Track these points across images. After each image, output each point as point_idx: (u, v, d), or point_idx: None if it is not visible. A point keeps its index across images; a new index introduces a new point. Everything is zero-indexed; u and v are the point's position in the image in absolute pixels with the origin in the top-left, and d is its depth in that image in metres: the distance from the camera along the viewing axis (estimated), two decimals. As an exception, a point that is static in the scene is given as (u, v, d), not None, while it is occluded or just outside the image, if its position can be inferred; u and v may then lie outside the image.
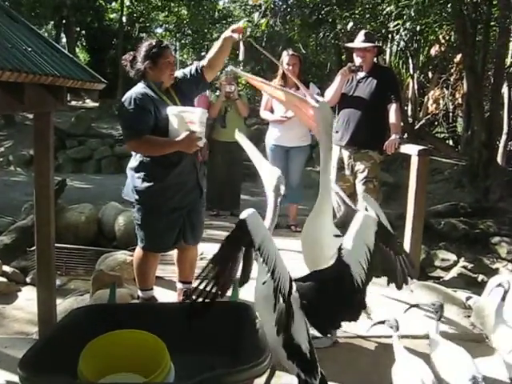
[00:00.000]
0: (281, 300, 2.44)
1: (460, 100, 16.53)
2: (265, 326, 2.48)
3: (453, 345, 2.99)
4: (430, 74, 16.38)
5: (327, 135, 3.40)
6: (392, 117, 5.09)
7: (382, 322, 3.17)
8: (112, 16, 24.16)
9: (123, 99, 3.65)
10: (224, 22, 18.50)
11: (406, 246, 4.82)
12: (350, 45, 5.48)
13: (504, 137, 10.93)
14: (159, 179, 3.65)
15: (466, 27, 7.97)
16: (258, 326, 2.26)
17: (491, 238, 6.53)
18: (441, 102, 14.96)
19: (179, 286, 4.09)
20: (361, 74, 5.21)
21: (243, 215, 2.46)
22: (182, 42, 23.95)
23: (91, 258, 6.02)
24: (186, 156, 3.64)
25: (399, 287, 3.47)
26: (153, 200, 3.70)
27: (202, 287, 2.33)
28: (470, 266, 6.15)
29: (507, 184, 8.94)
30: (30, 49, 2.77)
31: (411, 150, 4.78)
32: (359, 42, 5.23)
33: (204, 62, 3.79)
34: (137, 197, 3.72)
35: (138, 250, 3.90)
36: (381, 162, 5.30)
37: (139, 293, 3.97)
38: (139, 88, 3.66)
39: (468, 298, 4.65)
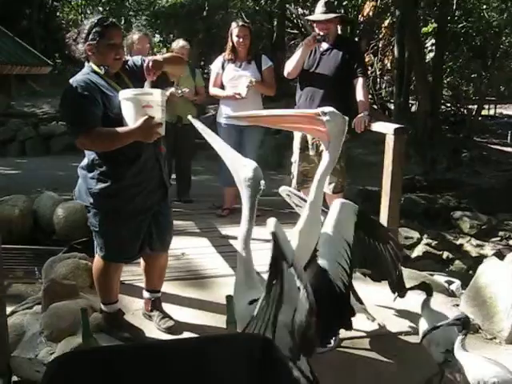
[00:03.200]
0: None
1: (389, 66, 16.55)
2: None
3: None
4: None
5: (338, 146, 3.14)
6: (359, 92, 4.75)
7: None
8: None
9: (65, 89, 3.09)
10: None
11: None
12: (310, 17, 5.06)
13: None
14: (116, 179, 3.13)
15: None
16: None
17: (452, 212, 6.38)
18: (369, 68, 14.98)
19: (146, 295, 3.62)
20: (324, 46, 4.82)
21: (271, 227, 2.19)
22: (100, 9, 22.77)
23: (30, 256, 5.47)
24: (145, 149, 3.11)
25: (393, 288, 3.24)
26: (110, 203, 3.18)
27: None
28: (433, 242, 6.01)
29: (453, 153, 8.89)
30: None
31: (386, 128, 4.46)
32: (319, 13, 4.81)
33: None
34: (91, 200, 3.19)
35: (98, 260, 3.38)
36: (347, 140, 4.94)
37: (102, 307, 3.46)
38: (82, 74, 3.09)
39: (449, 283, 4.44)
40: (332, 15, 4.76)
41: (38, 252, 5.48)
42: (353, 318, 2.93)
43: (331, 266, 2.62)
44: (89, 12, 25.60)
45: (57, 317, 3.50)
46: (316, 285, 2.48)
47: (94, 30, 3.03)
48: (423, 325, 2.95)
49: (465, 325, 2.67)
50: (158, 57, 3.26)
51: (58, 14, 23.05)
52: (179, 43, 5.97)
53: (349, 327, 2.82)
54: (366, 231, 2.91)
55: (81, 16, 24.30)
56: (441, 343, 2.79)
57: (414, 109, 15.94)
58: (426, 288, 3.07)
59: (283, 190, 3.60)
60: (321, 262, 2.62)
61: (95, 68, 3.10)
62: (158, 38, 20.91)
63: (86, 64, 3.15)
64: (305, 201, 3.29)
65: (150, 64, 3.09)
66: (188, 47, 6.01)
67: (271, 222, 2.24)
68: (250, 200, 2.60)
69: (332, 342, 3.36)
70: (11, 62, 2.01)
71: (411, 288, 3.19)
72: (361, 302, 3.40)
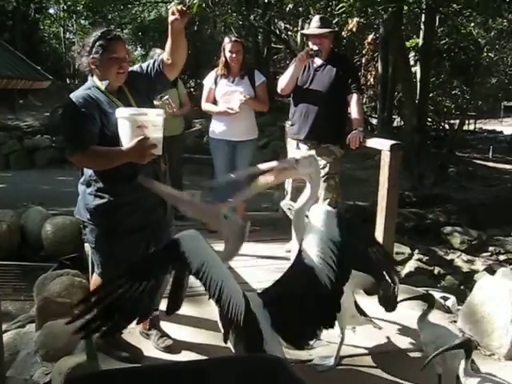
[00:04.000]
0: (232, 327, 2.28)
1: (372, 81, 16.65)
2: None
3: None
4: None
5: (317, 183, 3.18)
6: (354, 108, 4.75)
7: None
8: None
9: (64, 104, 3.07)
10: (137, 2, 17.31)
11: (378, 246, 4.52)
12: (305, 31, 5.09)
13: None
14: (113, 195, 3.08)
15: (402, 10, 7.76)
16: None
17: (442, 228, 6.41)
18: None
19: (144, 313, 3.55)
20: (318, 62, 4.82)
21: (178, 235, 2.30)
22: (82, 22, 22.69)
23: (18, 273, 5.38)
24: (143, 166, 3.03)
25: (379, 281, 3.19)
26: (107, 219, 3.12)
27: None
28: (424, 258, 6.02)
29: (440, 168, 8.95)
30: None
31: (382, 144, 4.46)
32: (314, 27, 4.82)
33: (164, 56, 3.19)
34: (88, 216, 3.13)
35: (96, 278, 3.33)
36: (342, 156, 4.95)
37: (100, 325, 3.40)
38: (83, 89, 3.05)
39: (445, 299, 4.43)
40: (327, 30, 4.76)
41: (27, 268, 5.41)
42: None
43: (316, 263, 2.62)
44: (70, 25, 25.54)
45: (52, 336, 3.43)
46: (302, 282, 2.61)
47: (97, 44, 2.99)
48: (427, 339, 2.95)
49: (468, 350, 2.65)
50: None
51: (40, 26, 22.96)
52: (156, 51, 5.69)
53: (332, 324, 2.76)
54: (348, 232, 2.81)
55: (63, 29, 24.29)
56: (459, 354, 2.78)
57: (395, 124, 16.10)
58: (428, 299, 3.06)
59: (285, 205, 3.63)
60: (306, 260, 2.64)
61: (97, 82, 3.06)
62: (139, 51, 20.92)
63: (89, 78, 3.11)
64: (306, 216, 3.29)
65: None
66: None
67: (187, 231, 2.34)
68: None
69: (332, 360, 3.35)
70: (16, 77, 1.98)
71: (412, 298, 3.17)
72: (364, 314, 3.39)
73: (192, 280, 4.53)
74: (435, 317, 4.01)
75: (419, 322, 3.04)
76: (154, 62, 3.20)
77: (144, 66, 3.25)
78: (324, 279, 2.58)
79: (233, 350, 2.54)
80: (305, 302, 2.56)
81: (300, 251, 2.71)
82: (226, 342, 2.35)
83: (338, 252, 2.62)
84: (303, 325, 2.58)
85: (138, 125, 2.86)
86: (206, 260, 2.22)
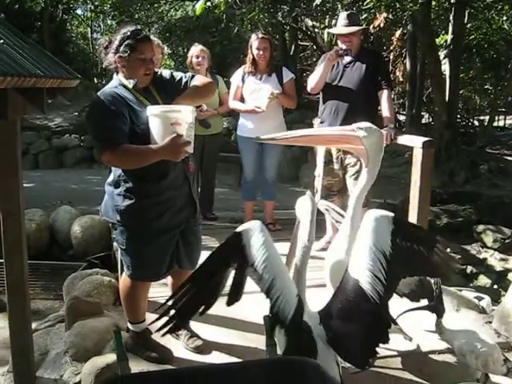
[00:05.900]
0: (281, 319, 2.28)
1: (400, 78, 16.43)
2: None
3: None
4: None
5: (377, 162, 2.92)
6: (384, 105, 4.67)
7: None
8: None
9: (92, 102, 3.04)
10: (163, 1, 17.31)
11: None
12: (333, 31, 5.00)
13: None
14: (143, 196, 3.04)
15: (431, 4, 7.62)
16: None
17: (475, 226, 6.29)
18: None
19: (174, 312, 3.52)
20: (347, 59, 4.73)
21: (240, 228, 2.31)
22: (109, 22, 22.78)
23: (47, 272, 5.40)
24: (173, 167, 3.02)
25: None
26: (137, 220, 3.09)
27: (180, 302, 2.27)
28: (456, 257, 5.89)
29: (470, 165, 8.79)
30: (1, 41, 2.13)
31: (414, 141, 4.37)
32: (342, 26, 4.73)
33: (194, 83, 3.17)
34: (118, 217, 3.09)
35: (125, 278, 3.30)
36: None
37: (129, 326, 3.37)
38: (110, 87, 3.02)
39: (479, 299, 4.33)
40: (355, 28, 4.67)
41: (56, 267, 5.43)
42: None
43: (365, 278, 2.51)
44: (97, 25, 25.73)
45: (82, 336, 3.42)
46: (351, 299, 2.50)
47: (125, 43, 2.95)
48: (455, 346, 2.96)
49: (436, 311, 2.90)
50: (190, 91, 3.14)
51: (67, 27, 23.12)
52: (198, 47, 5.77)
53: (387, 339, 2.63)
54: (406, 237, 2.68)
55: (90, 29, 24.44)
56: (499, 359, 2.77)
57: (424, 120, 15.87)
58: (436, 310, 3.02)
59: (321, 204, 3.50)
60: (355, 275, 2.53)
61: (124, 81, 3.03)
62: (166, 50, 20.95)
63: (115, 76, 3.09)
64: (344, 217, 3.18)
65: None
66: (208, 51, 5.83)
67: (249, 223, 2.33)
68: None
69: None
70: (45, 75, 1.95)
71: (418, 308, 3.11)
72: (395, 323, 3.31)
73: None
74: (470, 317, 3.95)
75: (439, 334, 3.05)
76: (187, 81, 3.16)
77: (176, 75, 3.22)
78: (371, 293, 2.49)
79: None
80: (357, 318, 2.49)
81: (349, 264, 2.62)
82: None
83: (388, 264, 2.52)
84: (359, 341, 2.48)
85: (172, 122, 2.83)
86: (261, 254, 2.26)
